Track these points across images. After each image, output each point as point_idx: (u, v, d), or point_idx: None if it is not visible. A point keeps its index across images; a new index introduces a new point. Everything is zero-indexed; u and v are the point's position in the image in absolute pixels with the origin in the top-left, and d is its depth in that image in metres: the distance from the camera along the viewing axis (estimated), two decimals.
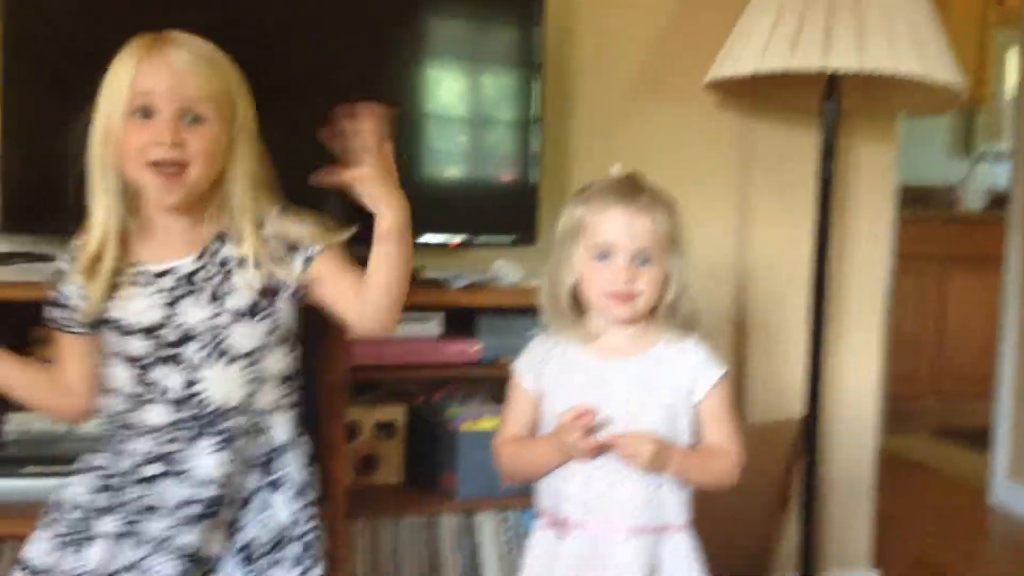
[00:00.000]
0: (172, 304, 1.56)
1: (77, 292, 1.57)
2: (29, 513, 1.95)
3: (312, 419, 2.27)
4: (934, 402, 5.36)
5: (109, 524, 1.55)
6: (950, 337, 5.35)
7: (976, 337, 5.29)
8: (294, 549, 1.61)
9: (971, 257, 5.29)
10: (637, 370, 1.70)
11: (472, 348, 2.32)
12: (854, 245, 2.98)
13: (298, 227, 1.65)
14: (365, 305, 1.62)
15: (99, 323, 1.58)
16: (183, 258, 1.58)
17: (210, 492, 1.56)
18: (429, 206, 2.41)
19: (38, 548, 1.57)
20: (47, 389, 1.63)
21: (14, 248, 2.06)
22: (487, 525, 2.34)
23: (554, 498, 1.71)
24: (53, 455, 2.07)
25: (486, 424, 2.21)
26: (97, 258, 1.55)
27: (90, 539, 1.54)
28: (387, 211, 1.58)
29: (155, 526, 1.55)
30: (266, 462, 1.63)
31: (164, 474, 1.56)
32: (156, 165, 1.51)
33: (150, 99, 1.50)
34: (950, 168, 5.85)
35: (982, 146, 5.89)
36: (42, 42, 2.06)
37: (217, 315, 1.57)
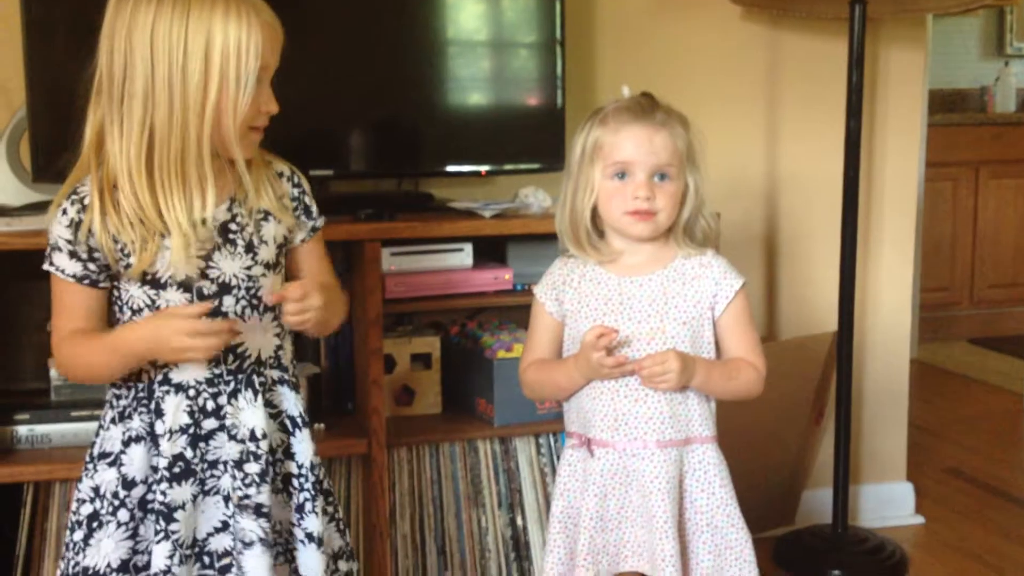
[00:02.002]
0: (208, 255, 1.55)
1: (104, 242, 1.50)
2: (77, 457, 2.02)
3: (349, 353, 2.31)
4: (969, 310, 5.33)
5: (184, 490, 1.54)
6: (984, 244, 5.30)
7: (1011, 243, 5.25)
8: (316, 483, 1.64)
9: (1004, 161, 5.21)
10: (657, 286, 1.72)
11: (504, 276, 2.33)
12: (884, 154, 2.95)
13: (309, 192, 1.70)
14: None
15: (128, 277, 1.53)
16: (215, 208, 1.54)
17: (263, 447, 1.57)
18: (455, 136, 2.41)
19: (103, 551, 1.54)
20: None
21: (47, 197, 2.07)
22: (524, 450, 2.37)
23: (582, 418, 1.74)
24: (98, 399, 2.11)
25: (520, 351, 2.22)
26: (111, 196, 1.50)
27: (163, 511, 1.53)
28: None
29: (225, 483, 1.56)
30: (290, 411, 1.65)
31: (218, 429, 1.56)
32: (254, 129, 1.55)
33: (268, 70, 1.54)
34: (981, 70, 5.74)
35: (1014, 45, 5.77)
36: None
37: (251, 267, 1.58)
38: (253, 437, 1.57)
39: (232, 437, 1.56)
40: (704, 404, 1.73)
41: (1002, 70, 5.64)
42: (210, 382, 1.56)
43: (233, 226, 1.57)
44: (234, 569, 1.56)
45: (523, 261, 2.33)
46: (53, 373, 2.13)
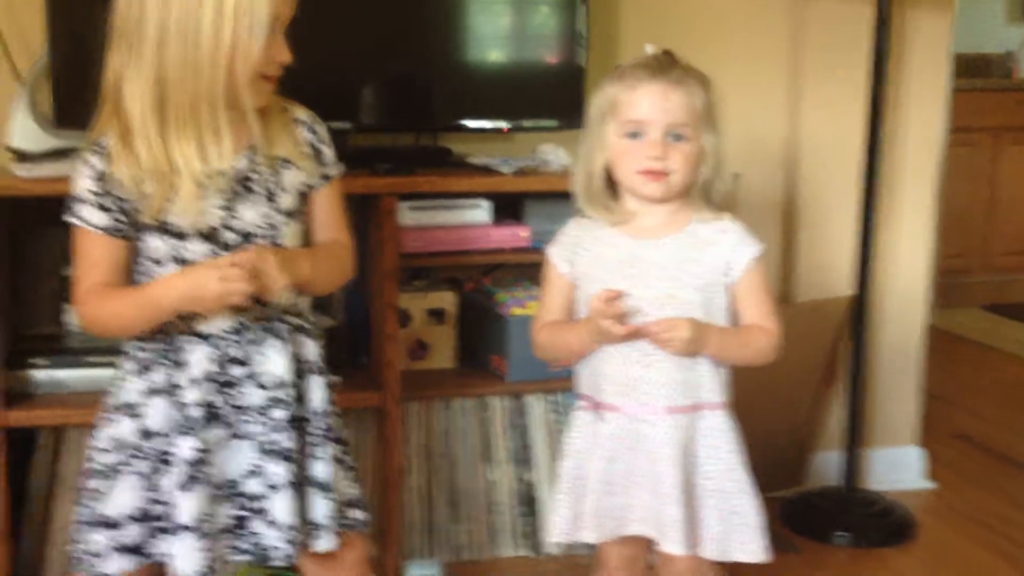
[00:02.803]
0: (229, 206, 1.55)
1: (130, 190, 1.51)
2: (92, 403, 2.03)
3: (364, 307, 2.31)
4: (985, 277, 5.30)
5: (213, 433, 1.56)
6: (1002, 211, 5.26)
7: None
8: (326, 429, 1.64)
9: None
10: (672, 250, 1.69)
11: (521, 233, 2.33)
12: (907, 119, 2.92)
13: (327, 139, 1.68)
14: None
15: (148, 227, 1.53)
16: (233, 157, 1.54)
17: (286, 393, 1.58)
18: (474, 91, 2.39)
19: (121, 500, 1.55)
20: None
21: (67, 144, 2.07)
22: (536, 407, 2.39)
23: (593, 381, 1.74)
24: (114, 346, 2.12)
25: (534, 308, 2.22)
26: (129, 143, 1.50)
27: (194, 457, 1.53)
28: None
29: (253, 428, 1.58)
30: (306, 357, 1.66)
31: (245, 377, 1.57)
32: (266, 78, 1.54)
33: (281, 19, 1.53)
34: (1007, 34, 5.67)
35: None
36: None
37: (271, 215, 1.58)
38: (279, 384, 1.58)
39: (260, 384, 1.57)
40: (715, 370, 1.71)
41: None
42: (236, 331, 1.57)
43: (253, 175, 1.57)
44: (263, 512, 1.58)
45: (541, 219, 2.32)
46: (69, 319, 2.15)
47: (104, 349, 2.10)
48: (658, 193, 1.67)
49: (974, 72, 5.38)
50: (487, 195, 2.32)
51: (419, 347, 2.37)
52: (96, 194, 1.51)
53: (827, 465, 2.92)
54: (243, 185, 1.56)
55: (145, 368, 1.57)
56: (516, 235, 2.33)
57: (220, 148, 1.52)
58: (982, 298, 5.27)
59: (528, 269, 2.44)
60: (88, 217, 1.52)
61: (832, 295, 2.86)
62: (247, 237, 1.56)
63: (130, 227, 1.53)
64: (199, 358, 1.55)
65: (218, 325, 1.56)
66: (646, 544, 1.76)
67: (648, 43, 1.73)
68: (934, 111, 2.95)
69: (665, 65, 1.67)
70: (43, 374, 2.11)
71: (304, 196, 1.65)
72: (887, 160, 2.86)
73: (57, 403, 2.09)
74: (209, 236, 1.54)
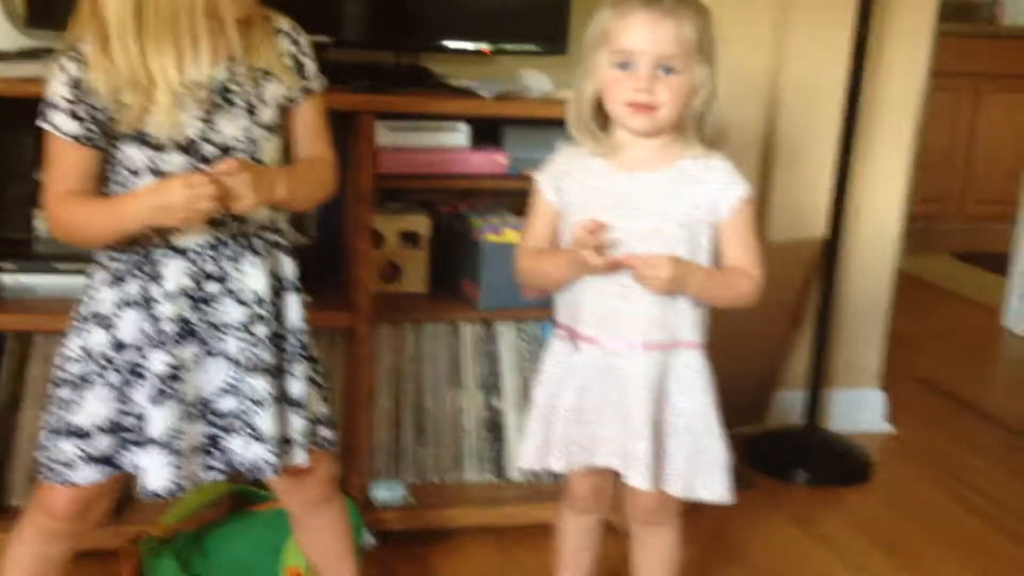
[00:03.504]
0: (208, 118, 1.52)
1: (106, 99, 1.47)
2: (60, 309, 2.01)
3: (337, 225, 2.30)
4: (958, 224, 5.34)
5: (186, 349, 1.54)
6: (979, 159, 5.28)
7: (1006, 159, 5.23)
8: (301, 347, 1.64)
9: (1007, 75, 5.17)
10: (660, 184, 1.68)
11: (499, 159, 2.31)
12: (890, 61, 2.90)
13: (309, 52, 1.64)
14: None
15: (126, 136, 1.50)
16: (212, 67, 1.50)
17: (266, 309, 1.58)
18: (456, 11, 2.35)
19: (91, 410, 1.54)
20: None
21: (40, 44, 2.03)
22: (506, 334, 2.39)
23: (571, 311, 1.74)
24: (84, 254, 2.10)
25: (510, 236, 2.22)
26: (105, 50, 1.45)
27: (167, 372, 1.52)
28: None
29: (230, 344, 1.57)
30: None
31: (221, 293, 1.56)
32: None
33: None
34: None
35: None
36: None
37: (251, 128, 1.56)
38: (258, 300, 1.57)
39: (239, 300, 1.56)
40: (694, 310, 1.70)
41: None
42: (212, 246, 1.55)
43: (233, 87, 1.54)
44: (243, 428, 1.58)
45: (520, 145, 2.30)
46: (40, 224, 2.12)
47: (74, 256, 2.07)
48: (644, 127, 1.65)
49: (959, 16, 5.36)
50: (466, 119, 2.29)
51: (391, 269, 2.36)
52: (70, 101, 1.48)
53: (789, 404, 2.95)
54: (223, 97, 1.53)
55: (118, 279, 1.55)
56: (494, 161, 2.31)
57: (198, 58, 1.48)
58: (953, 245, 5.31)
59: (505, 196, 2.43)
60: (60, 124, 1.49)
61: (805, 235, 2.87)
62: (226, 150, 1.53)
63: (103, 136, 1.50)
64: (174, 272, 1.53)
65: (194, 239, 1.54)
66: (613, 476, 1.78)
67: None
68: (917, 54, 2.94)
69: None
70: (10, 278, 2.09)
71: (284, 110, 1.62)
72: (867, 102, 2.85)
73: (25, 308, 2.06)
74: (187, 148, 1.51)
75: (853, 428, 3.02)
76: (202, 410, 1.57)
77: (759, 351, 2.87)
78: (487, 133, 2.34)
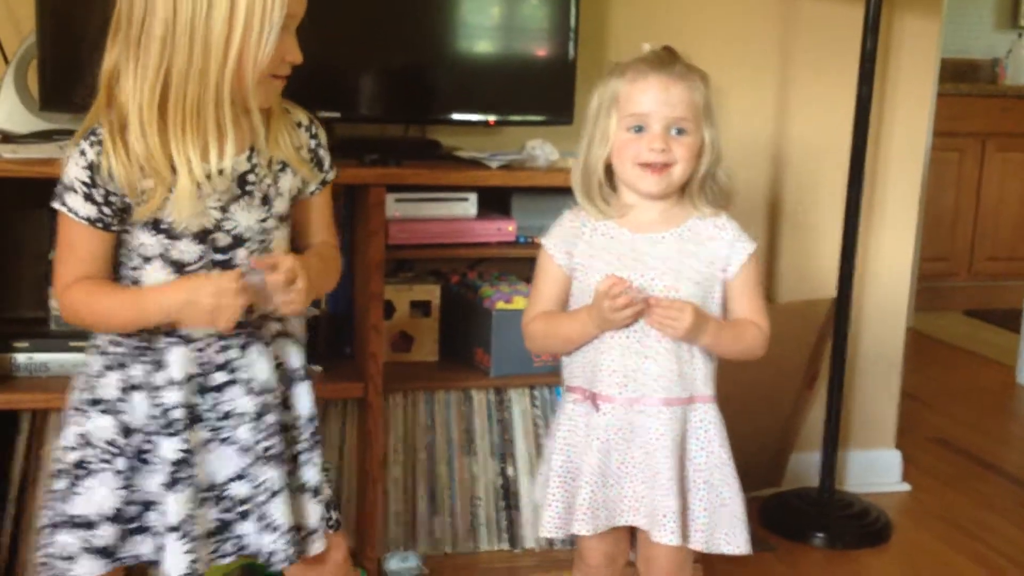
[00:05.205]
0: (224, 207, 1.52)
1: (121, 185, 1.46)
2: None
3: (349, 298, 2.31)
4: (967, 281, 5.33)
5: (197, 435, 1.53)
6: (985, 216, 5.29)
7: (1012, 216, 5.24)
8: (313, 435, 1.64)
9: (1011, 134, 5.20)
10: (671, 244, 1.71)
11: (507, 228, 2.33)
12: (893, 122, 2.93)
13: (325, 144, 1.66)
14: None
15: (140, 222, 1.49)
16: (234, 157, 1.50)
17: (276, 398, 1.57)
18: (462, 83, 2.39)
19: (96, 499, 1.52)
20: None
21: (53, 126, 2.06)
22: (518, 401, 2.39)
23: (588, 372, 1.74)
24: None
25: (519, 303, 2.23)
26: (121, 137, 1.45)
27: (179, 457, 1.51)
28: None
29: (241, 434, 1.56)
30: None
31: (230, 383, 1.56)
32: (275, 77, 1.53)
33: (294, 18, 1.51)
34: (995, 40, 5.70)
35: None
36: None
37: (266, 219, 1.56)
38: (268, 389, 1.56)
39: (250, 390, 1.55)
40: (708, 363, 1.74)
41: (1015, 42, 5.61)
42: (219, 336, 1.54)
43: (252, 177, 1.54)
44: (255, 518, 1.56)
45: (527, 213, 2.33)
46: (53, 303, 2.14)
47: (88, 335, 2.08)
48: (659, 187, 1.69)
49: (961, 77, 5.42)
50: (474, 188, 2.32)
51: (403, 339, 2.37)
52: (85, 184, 1.47)
53: (805, 466, 2.93)
54: (241, 187, 1.53)
55: (120, 364, 1.54)
56: (502, 229, 2.33)
57: (222, 148, 1.48)
58: (964, 303, 5.30)
59: (514, 263, 2.45)
60: (75, 207, 1.48)
61: (815, 296, 2.87)
62: (239, 240, 1.54)
63: (117, 221, 1.50)
64: (179, 360, 1.53)
65: (201, 329, 1.53)
66: (628, 539, 1.77)
67: (644, 42, 1.74)
68: (919, 114, 2.97)
69: (667, 60, 1.69)
70: (24, 357, 2.10)
71: (294, 199, 1.63)
72: (873, 163, 2.88)
73: (39, 387, 2.07)
74: (202, 237, 1.51)
75: (869, 488, 3.00)
76: (214, 495, 1.56)
77: (775, 413, 2.86)
78: (495, 202, 2.37)
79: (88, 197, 1.47)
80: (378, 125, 2.49)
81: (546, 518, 1.74)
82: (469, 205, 2.33)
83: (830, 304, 2.77)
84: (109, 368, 1.55)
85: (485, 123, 2.44)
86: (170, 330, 1.53)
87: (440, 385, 2.34)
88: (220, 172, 1.49)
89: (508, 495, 2.36)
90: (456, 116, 2.42)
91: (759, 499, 2.82)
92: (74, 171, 1.48)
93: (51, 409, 2.11)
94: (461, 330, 2.40)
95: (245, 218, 1.54)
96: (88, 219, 1.48)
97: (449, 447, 2.35)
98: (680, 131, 1.67)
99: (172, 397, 1.52)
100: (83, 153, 1.47)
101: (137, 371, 1.54)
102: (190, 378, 1.53)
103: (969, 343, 4.76)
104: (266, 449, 1.56)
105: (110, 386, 1.54)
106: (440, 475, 2.34)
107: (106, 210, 1.48)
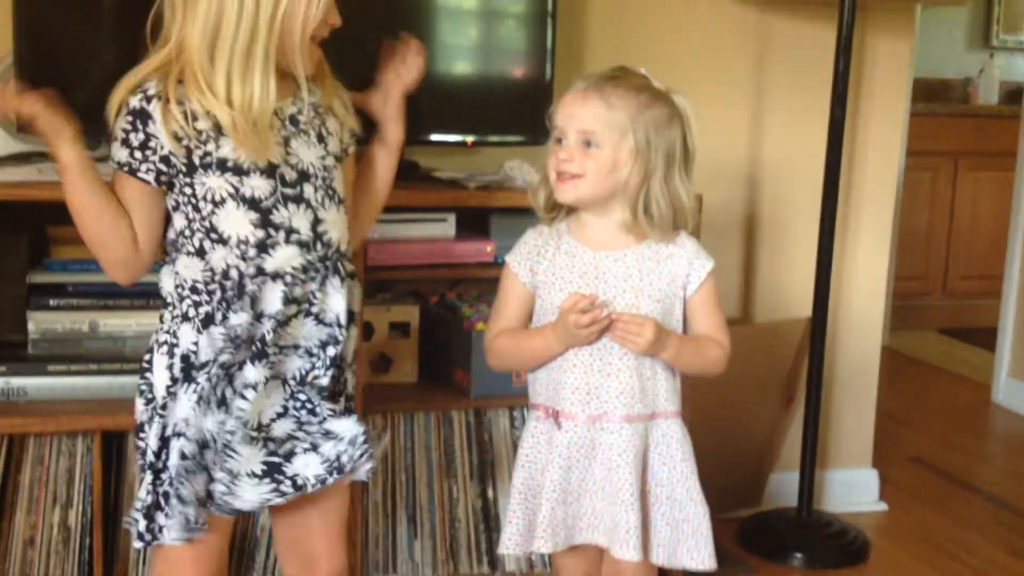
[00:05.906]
0: (286, 143, 1.58)
1: (175, 130, 1.51)
2: (53, 411, 2.01)
3: None
4: (942, 300, 5.37)
5: (255, 373, 1.56)
6: (959, 235, 5.34)
7: (986, 235, 5.29)
8: (351, 382, 1.72)
9: (984, 153, 5.24)
10: (632, 262, 1.72)
11: (486, 248, 2.33)
12: (867, 141, 2.96)
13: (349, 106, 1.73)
14: (364, 207, 1.82)
15: (200, 168, 1.53)
16: (284, 98, 1.58)
17: (343, 333, 1.61)
18: (440, 104, 2.40)
19: (183, 409, 1.56)
20: (114, 221, 1.56)
21: (30, 148, 2.05)
22: (498, 422, 2.39)
23: (550, 389, 1.75)
24: (76, 353, 2.11)
25: None
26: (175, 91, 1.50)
27: (236, 393, 1.56)
28: (397, 128, 1.81)
29: (292, 365, 1.60)
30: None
31: (298, 314, 1.59)
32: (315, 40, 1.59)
33: None
34: (967, 60, 5.76)
35: (1000, 37, 5.80)
36: None
37: (324, 156, 1.62)
38: (338, 322, 1.61)
39: (320, 321, 1.60)
40: (671, 379, 1.75)
41: (987, 62, 5.67)
42: (304, 269, 1.58)
43: (302, 117, 1.60)
44: (302, 451, 1.61)
45: (506, 234, 2.32)
46: (31, 326, 2.12)
47: (65, 357, 2.08)
48: (569, 197, 1.70)
49: (934, 97, 5.47)
50: (453, 209, 2.32)
51: (382, 360, 2.37)
52: (138, 131, 1.51)
53: (783, 486, 2.94)
54: (294, 125, 1.59)
55: (210, 320, 1.57)
56: (481, 250, 2.34)
57: (269, 91, 1.53)
58: (939, 321, 5.34)
59: (492, 284, 2.42)
60: (124, 157, 1.53)
61: (792, 315, 2.89)
62: (304, 175, 1.59)
63: (173, 171, 1.53)
64: (270, 295, 1.56)
65: (287, 263, 1.57)
66: (599, 555, 1.78)
67: (641, 67, 1.75)
68: (893, 134, 3.00)
69: (603, 77, 1.70)
70: (2, 381, 2.08)
71: (343, 151, 1.69)
72: (846, 182, 2.90)
73: (16, 411, 2.06)
74: (269, 172, 1.56)
75: (847, 508, 3.01)
76: (264, 436, 1.60)
77: (754, 433, 2.87)
78: (473, 223, 2.37)
79: (140, 144, 1.52)
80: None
81: (506, 535, 1.74)
82: (448, 226, 2.33)
83: (807, 323, 2.79)
84: (198, 330, 1.58)
85: (463, 144, 2.45)
86: (257, 270, 1.56)
87: (420, 406, 2.33)
88: (270, 110, 1.54)
89: (488, 517, 2.36)
90: (434, 137, 2.42)
91: (738, 519, 2.83)
92: (124, 125, 1.52)
93: (29, 434, 2.09)
94: (440, 351, 2.39)
95: (306, 154, 1.60)
96: (129, 165, 1.53)
97: (429, 469, 2.34)
98: (589, 143, 1.67)
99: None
100: (134, 108, 1.51)
101: (240, 318, 1.56)
102: (274, 315, 1.57)
103: (944, 361, 4.80)
104: (314, 377, 1.61)
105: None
106: (420, 497, 2.33)
107: (143, 155, 1.52)
